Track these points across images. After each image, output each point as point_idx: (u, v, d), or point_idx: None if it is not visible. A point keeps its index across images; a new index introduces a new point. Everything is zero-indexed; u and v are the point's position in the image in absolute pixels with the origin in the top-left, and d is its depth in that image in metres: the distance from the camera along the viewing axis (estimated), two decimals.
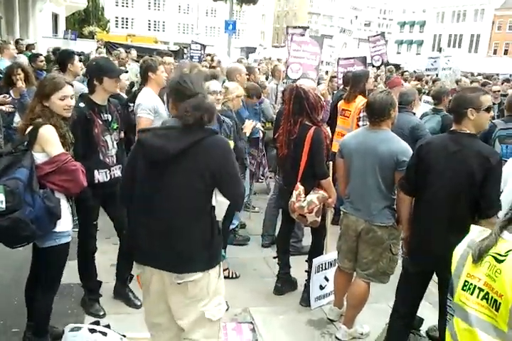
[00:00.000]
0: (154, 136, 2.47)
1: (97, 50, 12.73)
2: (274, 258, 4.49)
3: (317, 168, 3.90)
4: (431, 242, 3.06)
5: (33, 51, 9.91)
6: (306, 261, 4.30)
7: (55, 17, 17.38)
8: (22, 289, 3.36)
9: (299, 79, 7.69)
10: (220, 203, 2.53)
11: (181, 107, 2.42)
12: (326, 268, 4.22)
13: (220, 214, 2.56)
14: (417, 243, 3.21)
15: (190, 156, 2.41)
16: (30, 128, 3.00)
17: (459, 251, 1.97)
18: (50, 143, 2.97)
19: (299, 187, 3.88)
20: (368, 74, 6.45)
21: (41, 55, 7.97)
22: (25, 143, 2.97)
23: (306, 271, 4.27)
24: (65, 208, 3.10)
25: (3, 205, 2.76)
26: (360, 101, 5.55)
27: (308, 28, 8.56)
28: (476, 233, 1.98)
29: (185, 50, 15.20)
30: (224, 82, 5.92)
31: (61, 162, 2.94)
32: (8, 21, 12.45)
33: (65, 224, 3.11)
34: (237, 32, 36.94)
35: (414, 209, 3.27)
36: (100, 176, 3.64)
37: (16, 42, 9.95)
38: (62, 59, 5.65)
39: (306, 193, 3.87)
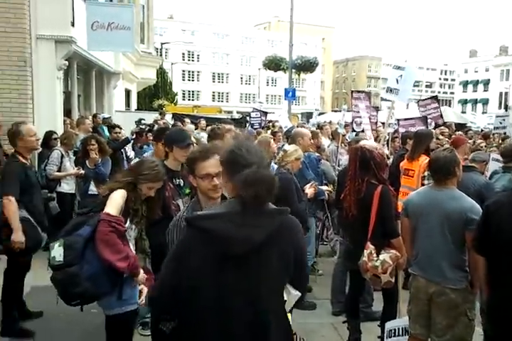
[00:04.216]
0: (226, 222, 1.96)
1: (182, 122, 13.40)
2: (344, 322, 4.33)
3: (387, 226, 3.83)
4: None
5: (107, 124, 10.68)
6: (379, 325, 4.11)
7: (128, 92, 18.73)
8: None
9: (363, 131, 8.12)
10: (294, 296, 2.15)
11: (235, 183, 2.00)
12: (399, 335, 3.97)
13: (287, 308, 2.18)
14: (501, 309, 2.99)
15: (275, 246, 2.01)
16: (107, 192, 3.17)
17: None
18: (110, 202, 3.07)
19: (370, 246, 3.80)
20: (432, 133, 6.43)
21: (117, 126, 8.61)
22: (100, 204, 3.14)
23: (378, 337, 4.07)
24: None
25: (61, 258, 2.88)
26: (424, 159, 5.48)
27: (370, 92, 8.98)
28: None
29: (248, 118, 15.78)
30: (283, 146, 6.08)
31: (99, 220, 2.92)
32: (85, 98, 13.56)
33: (132, 290, 3.14)
34: (297, 99, 38.15)
35: (490, 271, 3.09)
36: None
37: (94, 116, 10.78)
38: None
39: (378, 253, 3.79)
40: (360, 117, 8.39)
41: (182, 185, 3.86)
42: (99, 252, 2.89)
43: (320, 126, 10.08)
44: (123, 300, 3.09)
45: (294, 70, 29.06)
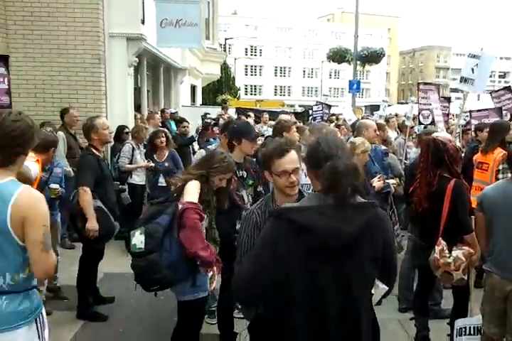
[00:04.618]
0: (317, 215, 1.93)
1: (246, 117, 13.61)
2: (411, 319, 4.23)
3: (461, 221, 3.68)
4: None
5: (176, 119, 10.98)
6: (448, 323, 3.99)
7: (193, 88, 19.13)
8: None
9: (430, 124, 7.85)
10: (381, 290, 2.12)
11: (320, 176, 1.98)
12: (470, 334, 3.83)
13: (374, 302, 2.15)
14: None
15: (365, 239, 1.97)
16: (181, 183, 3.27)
17: None
18: (188, 192, 3.18)
19: (442, 243, 3.67)
20: (509, 125, 6.11)
21: (185, 120, 8.81)
22: (174, 195, 3.25)
23: (448, 335, 3.94)
24: None
25: (143, 246, 2.99)
26: (499, 152, 5.24)
27: (438, 85, 8.69)
28: None
29: (310, 112, 15.69)
30: (349, 138, 6.00)
31: (184, 208, 3.01)
32: (154, 93, 13.98)
33: (204, 277, 3.22)
34: (361, 91, 37.53)
35: None
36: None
37: (162, 111, 11.11)
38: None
39: (450, 249, 3.66)
40: (427, 110, 8.12)
41: (245, 176, 3.96)
42: (186, 239, 2.97)
43: (386, 119, 9.85)
44: (196, 286, 3.18)
45: (358, 62, 28.52)
